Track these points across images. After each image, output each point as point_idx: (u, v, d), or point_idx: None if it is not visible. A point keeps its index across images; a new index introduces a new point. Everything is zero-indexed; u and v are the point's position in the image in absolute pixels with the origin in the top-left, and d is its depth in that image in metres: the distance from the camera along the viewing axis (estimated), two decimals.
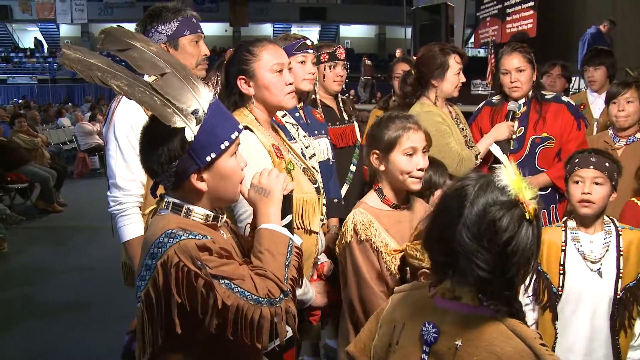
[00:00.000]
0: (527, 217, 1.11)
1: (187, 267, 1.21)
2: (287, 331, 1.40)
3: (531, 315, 2.19)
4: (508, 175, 1.15)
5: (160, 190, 1.41)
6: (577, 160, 2.16)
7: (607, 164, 2.12)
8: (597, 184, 2.10)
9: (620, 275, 2.08)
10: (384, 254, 1.91)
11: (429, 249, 1.26)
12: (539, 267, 2.16)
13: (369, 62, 15.86)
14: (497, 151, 1.23)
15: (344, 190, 2.90)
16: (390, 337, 1.33)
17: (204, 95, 1.31)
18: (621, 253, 2.09)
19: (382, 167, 1.98)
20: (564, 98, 3.07)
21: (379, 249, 1.91)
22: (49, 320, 4.24)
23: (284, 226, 1.46)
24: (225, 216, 1.48)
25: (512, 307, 1.15)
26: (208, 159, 1.30)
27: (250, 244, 1.48)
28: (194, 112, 1.29)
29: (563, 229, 2.19)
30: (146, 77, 1.31)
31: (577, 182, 2.13)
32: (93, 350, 3.68)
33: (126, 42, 1.28)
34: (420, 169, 1.94)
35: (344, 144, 2.99)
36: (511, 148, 2.91)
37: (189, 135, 1.27)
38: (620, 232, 2.13)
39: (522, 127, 2.92)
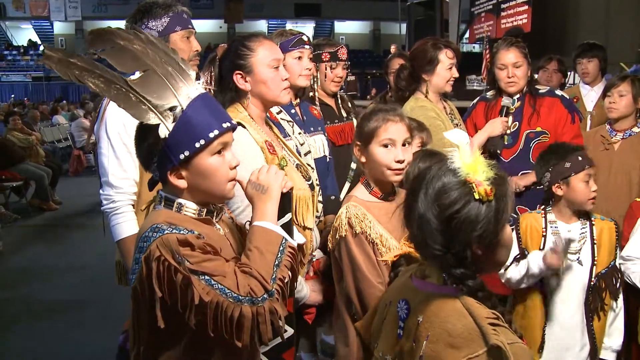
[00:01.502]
0: (476, 197, 1.16)
1: (167, 261, 1.21)
2: (286, 331, 1.38)
3: (521, 264, 2.27)
4: (461, 157, 1.20)
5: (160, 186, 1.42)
6: (580, 158, 2.21)
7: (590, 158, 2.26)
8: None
9: (595, 263, 2.22)
10: (379, 245, 1.90)
11: (408, 228, 1.32)
12: (525, 251, 2.29)
13: (352, 78, 15.55)
14: (453, 138, 1.24)
15: (346, 188, 2.88)
16: (383, 314, 1.40)
17: (185, 92, 1.30)
18: (595, 242, 2.23)
19: (362, 159, 1.98)
20: (558, 92, 3.08)
21: (374, 241, 1.91)
22: (46, 320, 4.23)
23: (282, 225, 1.44)
24: (226, 211, 1.46)
25: (465, 285, 1.19)
26: (181, 156, 1.29)
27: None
28: (172, 109, 1.29)
29: (543, 216, 2.31)
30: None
31: (587, 182, 2.21)
32: (91, 349, 3.67)
33: (110, 41, 1.28)
34: (398, 161, 1.91)
35: (343, 142, 2.96)
36: (505, 143, 2.92)
37: (163, 132, 1.27)
38: (593, 222, 2.27)
39: (517, 122, 2.93)
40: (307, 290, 2.06)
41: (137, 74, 1.28)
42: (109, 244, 2.18)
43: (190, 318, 1.22)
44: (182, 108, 1.29)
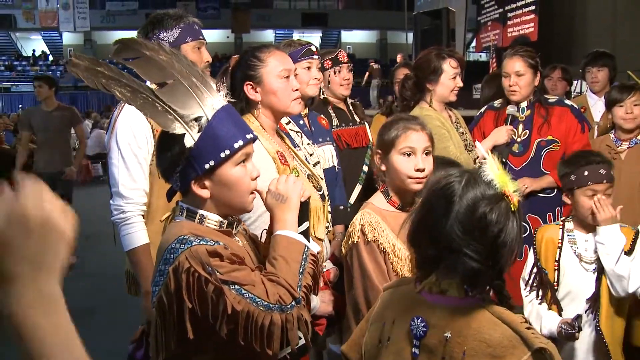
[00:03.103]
0: (512, 209, 1.17)
1: (197, 273, 1.22)
2: (300, 338, 1.39)
3: (535, 308, 2.23)
4: (492, 169, 1.20)
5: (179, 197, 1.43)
6: (586, 173, 2.15)
7: (611, 173, 2.17)
8: (608, 195, 2.15)
9: None
10: (390, 255, 1.90)
11: (415, 245, 1.30)
12: (539, 264, 2.26)
13: (376, 66, 15.74)
14: (480, 148, 1.26)
15: (357, 190, 2.91)
16: (379, 334, 1.36)
17: (209, 103, 1.32)
18: None
19: (383, 167, 1.99)
20: (567, 101, 3.08)
21: (385, 250, 1.90)
22: None
23: (300, 233, 1.45)
24: (242, 223, 1.48)
25: (502, 295, 1.20)
26: (207, 166, 1.30)
27: (266, 251, 1.48)
28: (197, 119, 1.30)
29: (561, 227, 2.27)
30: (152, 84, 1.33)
31: (590, 196, 2.14)
32: (96, 355, 3.66)
33: (137, 51, 1.30)
34: (418, 170, 1.91)
35: (358, 144, 3.00)
36: (516, 151, 2.93)
37: (189, 141, 1.29)
38: None
39: (527, 130, 2.93)
40: (317, 301, 2.06)
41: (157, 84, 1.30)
42: (115, 253, 2.19)
43: (222, 328, 1.23)
44: (207, 118, 1.31)
